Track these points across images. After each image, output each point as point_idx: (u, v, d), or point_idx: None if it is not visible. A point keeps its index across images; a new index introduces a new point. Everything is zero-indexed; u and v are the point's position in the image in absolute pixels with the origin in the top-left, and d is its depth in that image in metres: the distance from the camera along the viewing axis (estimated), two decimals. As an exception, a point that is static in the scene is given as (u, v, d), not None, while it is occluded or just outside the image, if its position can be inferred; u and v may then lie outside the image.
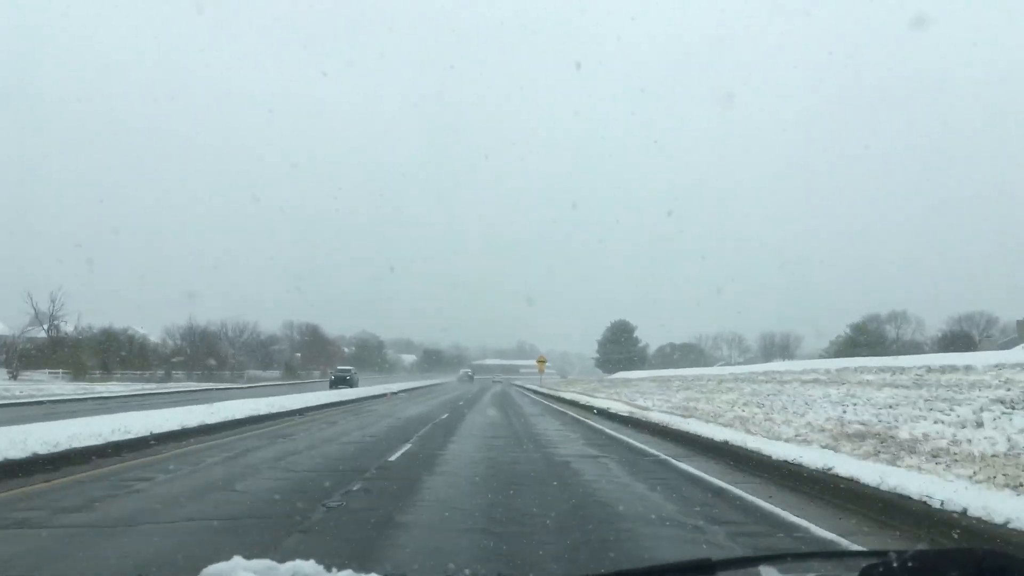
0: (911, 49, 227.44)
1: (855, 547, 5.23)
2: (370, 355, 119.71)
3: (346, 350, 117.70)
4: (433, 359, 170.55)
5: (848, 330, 77.35)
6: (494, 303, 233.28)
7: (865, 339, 71.04)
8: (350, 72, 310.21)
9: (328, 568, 1.90)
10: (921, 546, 5.25)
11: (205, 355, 71.29)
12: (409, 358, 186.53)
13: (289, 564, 1.88)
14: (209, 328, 79.47)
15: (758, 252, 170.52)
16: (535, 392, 48.15)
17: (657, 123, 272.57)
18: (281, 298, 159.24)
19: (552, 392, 41.90)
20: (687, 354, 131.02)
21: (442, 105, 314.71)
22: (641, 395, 30.69)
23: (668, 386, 36.98)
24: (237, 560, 1.92)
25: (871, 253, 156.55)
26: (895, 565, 1.27)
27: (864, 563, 1.34)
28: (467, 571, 4.38)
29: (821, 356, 64.71)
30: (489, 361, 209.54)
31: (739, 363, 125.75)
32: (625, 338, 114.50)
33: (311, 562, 1.90)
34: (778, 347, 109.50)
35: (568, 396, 34.49)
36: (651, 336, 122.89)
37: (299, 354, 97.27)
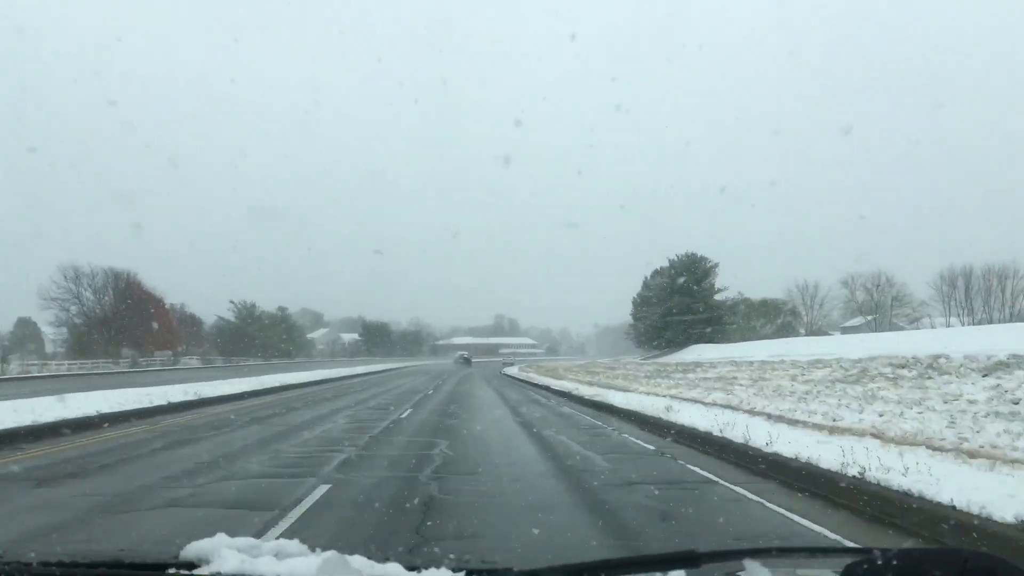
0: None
1: (842, 544, 5.05)
2: (249, 330, 67.14)
3: (205, 321, 66.44)
4: (377, 338, 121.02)
5: None
6: (465, 275, 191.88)
7: None
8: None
9: (312, 548, 1.79)
10: (909, 544, 5.09)
11: None
12: (351, 337, 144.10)
13: (273, 542, 1.78)
14: None
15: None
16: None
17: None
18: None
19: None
20: (772, 317, 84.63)
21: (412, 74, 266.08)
22: None
23: None
24: (221, 537, 1.77)
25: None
26: (879, 563, 1.28)
27: (848, 560, 1.35)
28: (451, 555, 4.46)
29: None
30: (459, 339, 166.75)
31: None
32: (696, 288, 66.22)
33: (295, 541, 1.80)
34: (977, 292, 62.74)
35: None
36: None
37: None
